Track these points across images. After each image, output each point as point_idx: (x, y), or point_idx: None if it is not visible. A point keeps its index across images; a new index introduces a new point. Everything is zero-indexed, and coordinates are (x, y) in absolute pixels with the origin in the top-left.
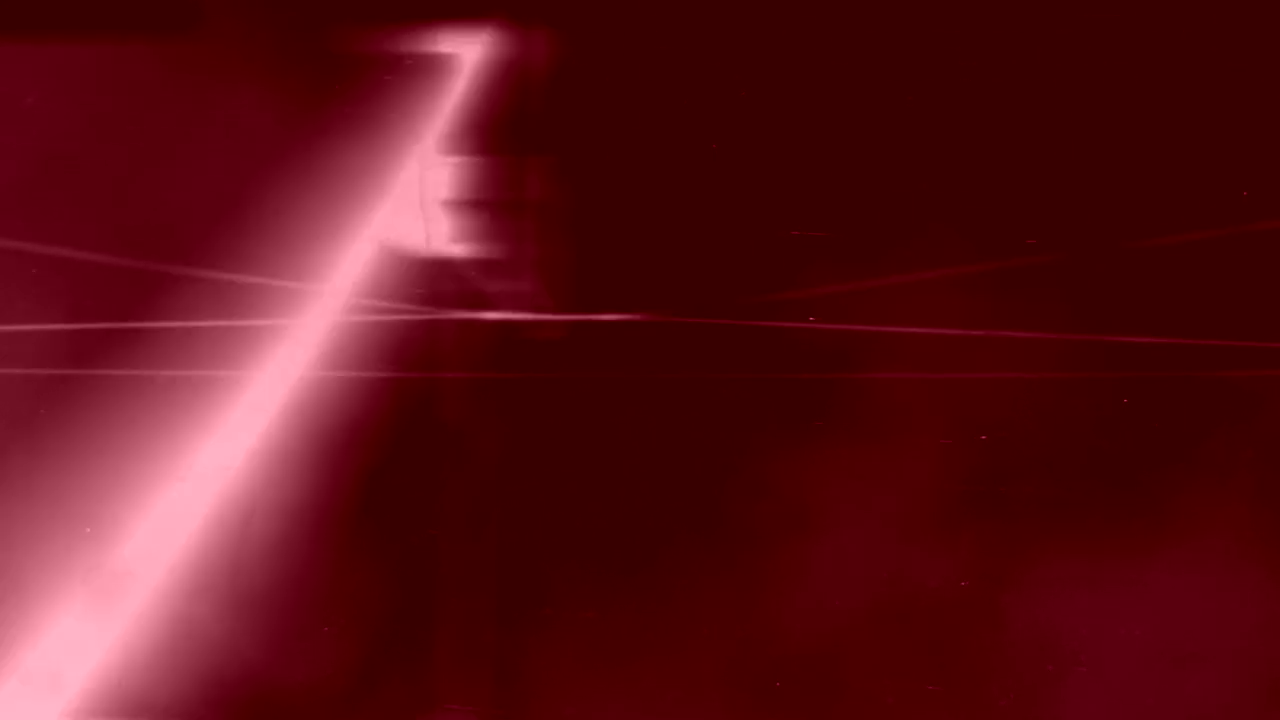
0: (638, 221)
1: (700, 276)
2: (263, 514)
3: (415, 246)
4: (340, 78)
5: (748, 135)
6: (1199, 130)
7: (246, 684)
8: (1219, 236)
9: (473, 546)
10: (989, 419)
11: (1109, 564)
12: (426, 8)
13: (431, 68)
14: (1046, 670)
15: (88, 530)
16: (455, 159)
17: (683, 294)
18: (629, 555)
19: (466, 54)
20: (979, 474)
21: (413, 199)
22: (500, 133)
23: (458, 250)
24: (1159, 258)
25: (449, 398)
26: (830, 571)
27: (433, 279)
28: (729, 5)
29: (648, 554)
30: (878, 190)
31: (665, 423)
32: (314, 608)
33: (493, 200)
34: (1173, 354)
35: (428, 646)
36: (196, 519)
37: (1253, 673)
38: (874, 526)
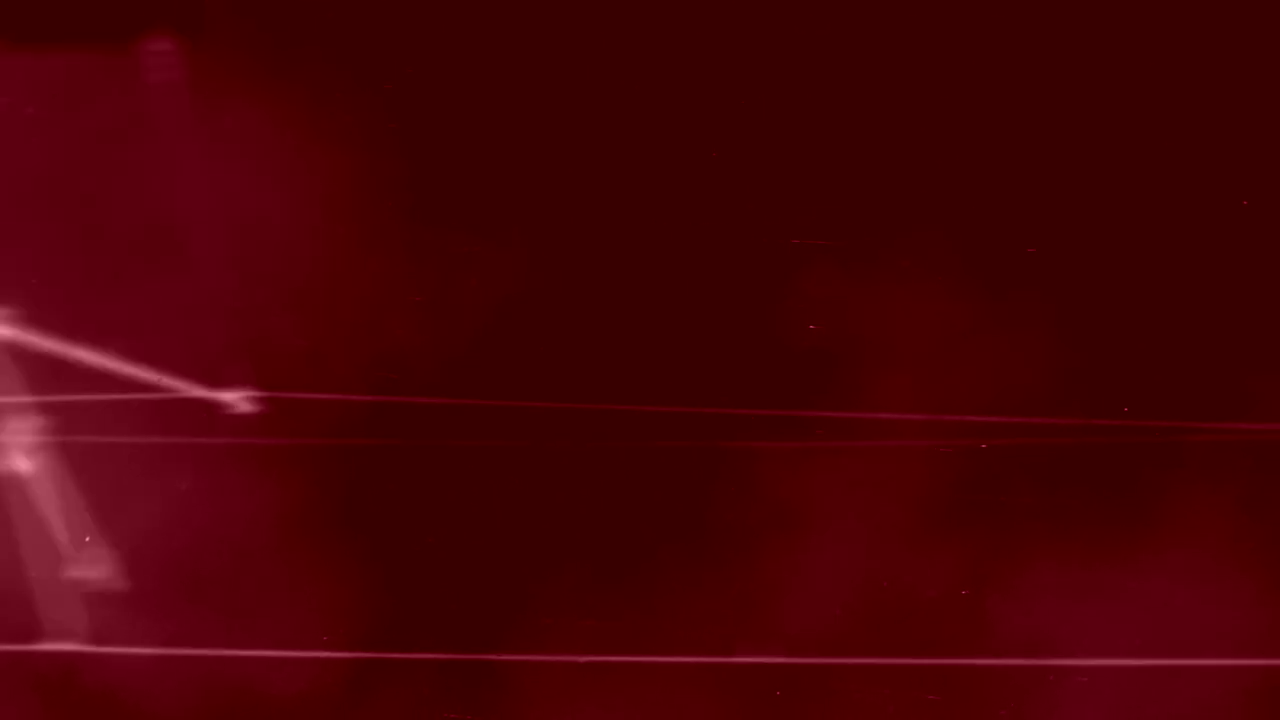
0: (637, 225)
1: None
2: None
3: None
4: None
5: (747, 143)
6: (1199, 138)
7: (244, 692)
8: (1218, 243)
9: (471, 554)
10: (990, 426)
11: (1108, 573)
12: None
13: None
14: (1045, 679)
15: (87, 539)
16: None
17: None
18: (629, 565)
19: None
20: (980, 482)
21: None
22: None
23: None
24: (1158, 265)
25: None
26: (831, 581)
27: None
28: (729, 16)
29: (648, 564)
30: (879, 198)
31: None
32: (312, 616)
33: None
34: (1170, 361)
35: (425, 654)
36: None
37: (1248, 679)
38: (875, 535)
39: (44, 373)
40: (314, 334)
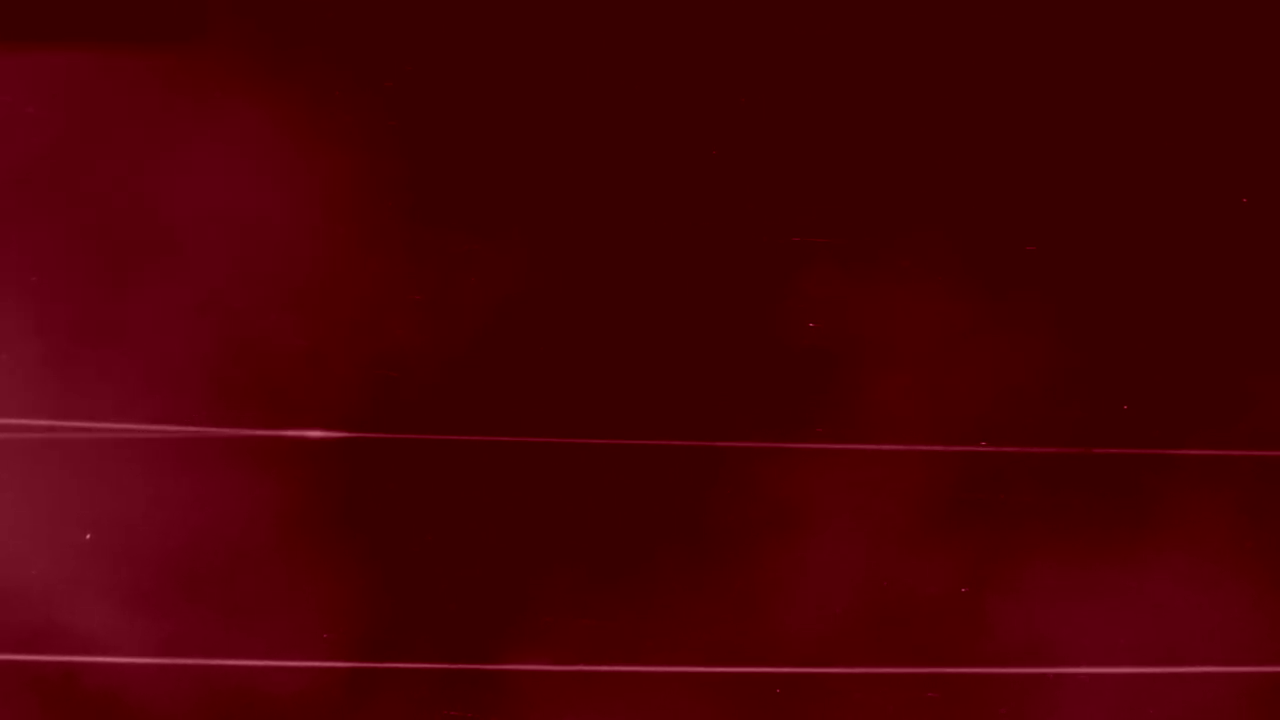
0: (638, 223)
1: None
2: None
3: None
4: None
5: (748, 141)
6: (1198, 135)
7: (245, 688)
8: (1218, 240)
9: (471, 553)
10: (990, 425)
11: (1109, 573)
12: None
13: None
14: (1045, 677)
15: (87, 536)
16: None
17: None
18: (628, 564)
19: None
20: (980, 481)
21: None
22: None
23: None
24: (1158, 262)
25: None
26: (831, 579)
27: None
28: (728, 14)
29: (646, 562)
30: (880, 195)
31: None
32: (312, 615)
33: None
34: (1170, 360)
35: (425, 654)
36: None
37: (1249, 680)
38: (874, 534)
39: (44, 372)
40: (314, 333)
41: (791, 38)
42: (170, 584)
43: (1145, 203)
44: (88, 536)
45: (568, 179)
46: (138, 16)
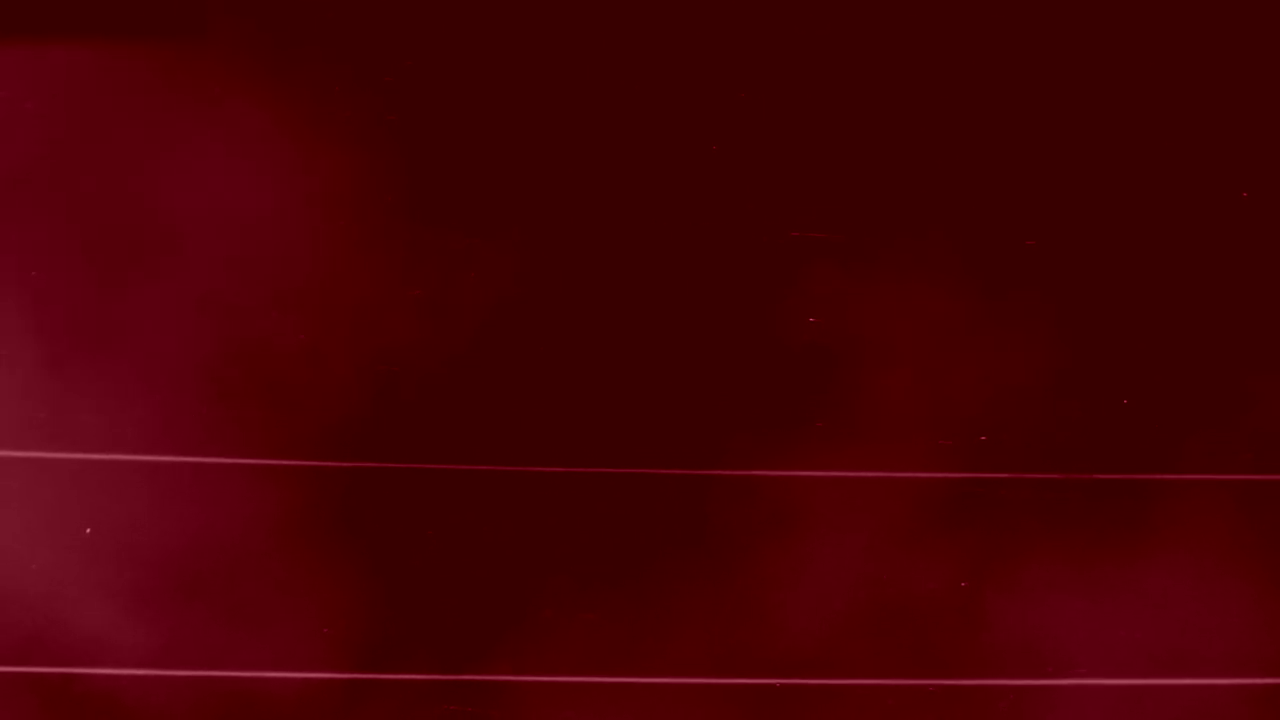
0: (638, 218)
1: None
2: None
3: None
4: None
5: (747, 137)
6: (1197, 131)
7: (246, 687)
8: (1218, 236)
9: (473, 548)
10: (990, 421)
11: (1106, 568)
12: None
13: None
14: (1044, 672)
15: (88, 530)
16: None
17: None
18: (630, 559)
19: None
20: (979, 476)
21: None
22: None
23: None
24: (1157, 257)
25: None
26: (832, 574)
27: None
28: (728, 11)
29: (649, 557)
30: (879, 191)
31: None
32: (313, 610)
33: None
34: (1170, 355)
35: (425, 656)
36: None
37: (1246, 675)
38: (875, 528)
39: (42, 369)
40: (314, 330)
41: (791, 35)
42: (171, 589)
43: (1145, 197)
44: (88, 530)
45: (567, 175)
46: (138, 14)
